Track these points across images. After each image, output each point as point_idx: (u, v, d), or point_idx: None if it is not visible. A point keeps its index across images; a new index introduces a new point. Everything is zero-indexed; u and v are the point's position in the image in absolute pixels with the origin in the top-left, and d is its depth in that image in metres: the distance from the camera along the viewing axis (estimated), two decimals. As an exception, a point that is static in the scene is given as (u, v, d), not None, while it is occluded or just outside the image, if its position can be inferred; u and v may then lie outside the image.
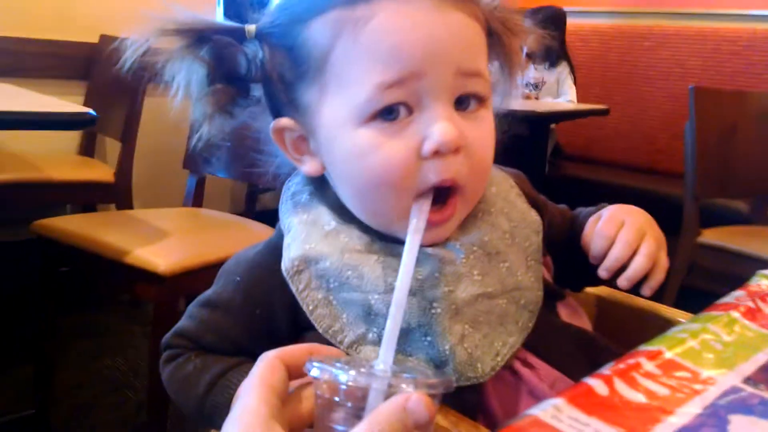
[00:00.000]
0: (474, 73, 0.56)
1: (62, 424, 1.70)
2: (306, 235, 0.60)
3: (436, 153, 0.53)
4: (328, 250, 0.59)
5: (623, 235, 0.64)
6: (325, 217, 0.61)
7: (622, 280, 0.63)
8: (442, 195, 0.56)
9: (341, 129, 0.56)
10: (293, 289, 0.59)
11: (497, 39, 0.62)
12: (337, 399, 0.41)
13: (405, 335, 0.56)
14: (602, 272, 0.65)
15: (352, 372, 0.41)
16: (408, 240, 0.52)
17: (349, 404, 0.41)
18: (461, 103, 0.56)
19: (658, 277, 0.64)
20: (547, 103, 3.40)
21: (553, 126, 3.48)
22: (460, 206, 0.58)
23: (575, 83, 3.48)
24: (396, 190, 0.55)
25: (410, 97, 0.54)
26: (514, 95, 0.67)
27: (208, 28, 0.59)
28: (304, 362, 0.44)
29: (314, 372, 0.43)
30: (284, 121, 0.61)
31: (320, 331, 0.58)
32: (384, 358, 0.47)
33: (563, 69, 3.43)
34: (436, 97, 0.54)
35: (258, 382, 0.43)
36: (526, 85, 3.52)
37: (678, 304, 0.76)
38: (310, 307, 0.58)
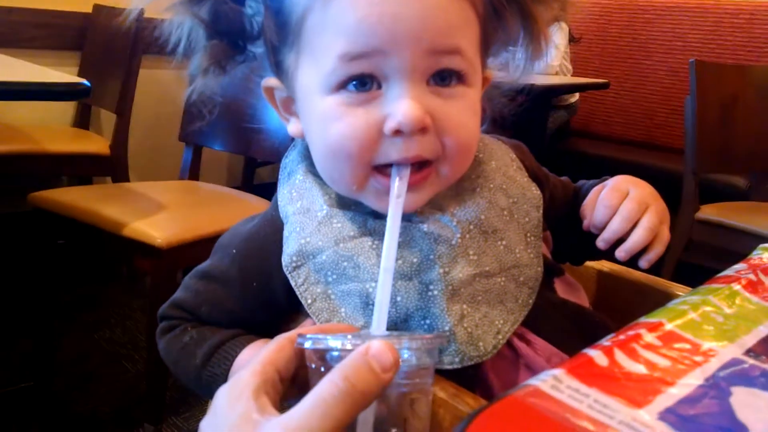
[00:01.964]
0: (449, 50, 0.53)
1: (63, 396, 1.71)
2: (301, 228, 0.60)
3: (398, 132, 0.52)
4: (323, 242, 0.58)
5: (625, 207, 0.64)
6: (318, 202, 0.61)
7: (620, 252, 0.63)
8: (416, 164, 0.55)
9: (313, 96, 0.56)
10: (292, 283, 0.58)
11: (517, 6, 0.60)
12: (329, 367, 0.41)
13: (404, 320, 0.56)
14: (600, 243, 0.64)
15: (340, 340, 0.42)
16: (390, 207, 0.52)
17: None
18: (440, 78, 0.54)
19: (657, 250, 0.64)
20: (545, 77, 3.36)
21: (574, 100, 3.44)
22: (435, 178, 0.57)
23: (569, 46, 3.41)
24: (352, 161, 0.54)
25: (376, 70, 0.53)
26: (540, 63, 0.64)
27: None
28: None
29: (306, 344, 0.43)
30: (273, 81, 0.62)
31: (318, 324, 0.57)
32: (377, 325, 0.47)
33: (554, 27, 3.36)
34: (403, 75, 0.52)
35: (258, 358, 0.44)
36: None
37: (675, 280, 0.76)
38: (309, 301, 0.58)
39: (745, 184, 2.70)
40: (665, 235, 0.65)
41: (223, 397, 0.42)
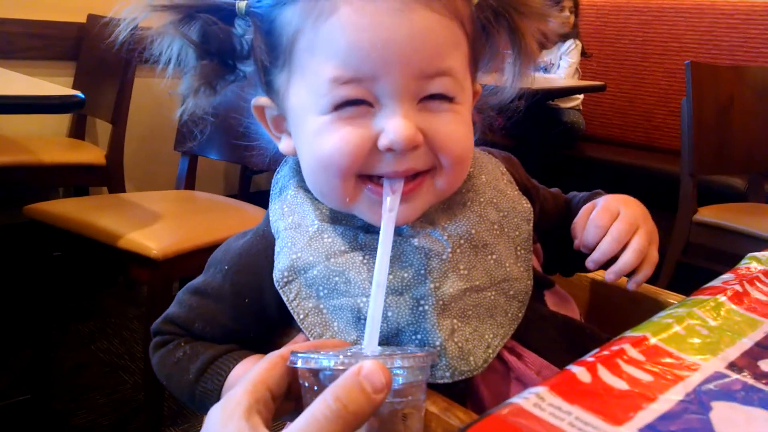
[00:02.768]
0: (439, 73, 0.54)
1: (61, 408, 1.71)
2: (292, 243, 0.60)
3: (391, 149, 0.53)
4: (314, 257, 0.58)
5: (615, 228, 0.64)
6: (309, 217, 0.61)
7: (609, 273, 0.63)
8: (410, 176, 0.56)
9: (305, 116, 0.56)
10: (284, 299, 0.59)
11: (506, 22, 0.61)
12: (323, 386, 0.42)
13: (395, 335, 0.56)
14: (590, 264, 0.64)
15: (333, 358, 0.42)
16: (383, 221, 0.52)
17: None
18: (429, 99, 0.55)
19: (645, 272, 0.63)
20: (542, 79, 3.37)
21: (576, 105, 3.45)
22: (429, 188, 0.57)
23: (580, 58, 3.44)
24: (344, 173, 0.54)
25: (367, 94, 0.53)
26: (527, 76, 0.65)
27: (198, 4, 0.59)
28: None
29: (298, 363, 0.43)
30: (263, 100, 0.63)
31: (311, 339, 0.58)
32: (369, 341, 0.47)
33: (567, 47, 3.39)
34: (394, 97, 0.53)
35: (251, 376, 0.45)
36: (536, 69, 3.47)
37: (674, 282, 0.76)
38: (301, 316, 0.58)
39: (743, 185, 2.70)
40: (654, 256, 0.65)
41: (215, 415, 0.42)
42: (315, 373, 0.43)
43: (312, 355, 0.43)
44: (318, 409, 0.38)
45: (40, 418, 1.68)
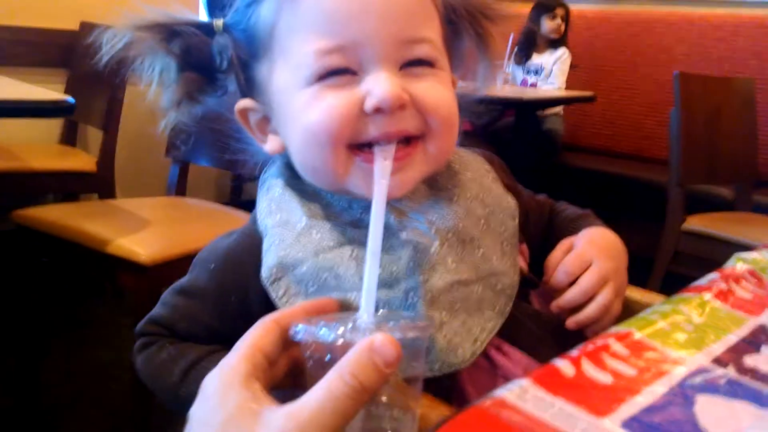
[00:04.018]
0: (417, 40, 0.56)
1: (49, 417, 1.69)
2: (280, 240, 0.60)
3: (379, 110, 0.54)
4: (303, 253, 0.59)
5: (585, 279, 0.63)
6: (297, 214, 0.61)
7: (570, 322, 0.63)
8: (402, 142, 0.57)
9: (290, 93, 0.58)
10: (272, 296, 0.58)
11: (474, 24, 0.64)
12: (327, 358, 0.42)
13: None
14: (553, 307, 0.64)
15: (337, 330, 0.42)
16: (375, 190, 0.53)
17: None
18: (411, 65, 0.57)
19: (603, 325, 0.63)
20: (532, 90, 3.40)
21: (557, 111, 3.48)
22: (421, 156, 0.58)
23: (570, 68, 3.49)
24: (333, 141, 0.55)
25: (351, 62, 0.55)
26: (493, 80, 0.67)
27: (179, 23, 0.61)
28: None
29: (300, 335, 0.43)
30: (245, 102, 0.64)
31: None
32: (366, 307, 0.47)
33: (560, 55, 3.44)
34: (377, 63, 0.55)
35: (245, 343, 0.44)
36: (528, 72, 3.53)
37: (663, 290, 0.76)
38: None
39: (730, 194, 2.72)
40: (617, 310, 0.65)
41: (212, 385, 0.42)
42: (319, 344, 0.43)
43: (313, 328, 0.43)
44: (335, 386, 0.38)
45: (26, 427, 1.65)
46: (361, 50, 0.54)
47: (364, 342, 0.40)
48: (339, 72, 0.55)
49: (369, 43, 0.54)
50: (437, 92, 0.57)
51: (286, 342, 0.46)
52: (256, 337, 0.45)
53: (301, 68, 0.56)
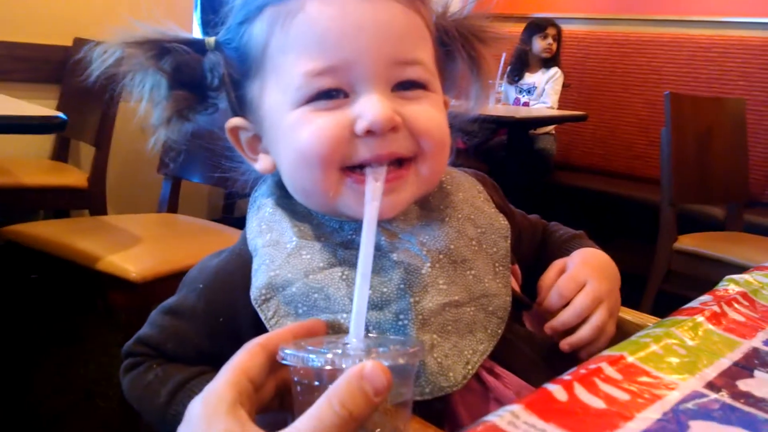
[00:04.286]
0: (409, 62, 0.56)
1: (34, 434, 1.67)
2: (270, 260, 0.59)
3: (370, 132, 0.54)
4: (293, 274, 0.58)
5: (578, 300, 0.63)
6: (287, 234, 0.61)
7: (564, 344, 0.63)
8: (394, 164, 0.56)
9: (281, 113, 0.57)
10: (262, 317, 0.58)
11: (467, 45, 0.64)
12: (317, 383, 0.42)
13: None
14: (547, 329, 0.64)
15: (327, 355, 0.42)
16: (366, 211, 0.52)
17: (330, 385, 0.41)
18: (403, 87, 0.57)
19: (598, 346, 0.63)
20: (525, 109, 3.42)
21: (550, 131, 3.49)
22: (413, 178, 0.58)
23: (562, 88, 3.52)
24: (324, 163, 0.55)
25: (342, 83, 0.55)
26: (486, 100, 0.67)
27: (170, 40, 0.61)
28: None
29: (288, 360, 0.43)
30: (236, 120, 0.63)
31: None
32: (355, 332, 0.47)
33: (553, 75, 3.47)
34: (369, 84, 0.55)
35: (231, 366, 0.44)
36: (520, 91, 3.56)
37: (655, 310, 0.76)
38: None
39: (722, 214, 2.73)
40: (611, 331, 0.64)
41: (196, 411, 0.41)
42: (308, 369, 0.43)
43: (303, 353, 0.42)
44: (324, 414, 0.38)
45: (11, 445, 1.63)
46: (353, 71, 0.54)
47: (354, 370, 0.39)
48: (330, 93, 0.55)
49: (360, 64, 0.54)
50: (429, 115, 0.57)
51: (273, 364, 0.45)
52: (242, 361, 0.44)
53: (292, 89, 0.56)
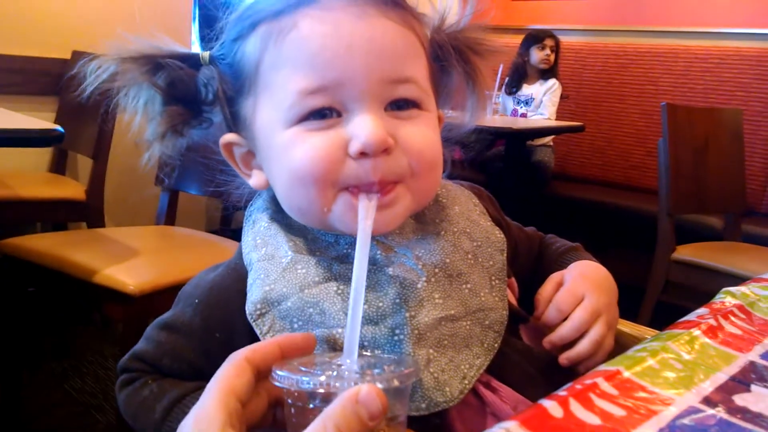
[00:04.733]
0: (403, 79, 0.56)
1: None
2: (265, 275, 0.59)
3: (363, 154, 0.53)
4: (288, 288, 0.58)
5: (576, 315, 0.63)
6: (282, 248, 0.61)
7: (563, 359, 0.62)
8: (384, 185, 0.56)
9: (274, 131, 0.57)
10: (257, 332, 0.57)
11: (463, 58, 0.64)
12: (311, 405, 0.42)
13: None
14: (545, 344, 0.64)
15: (320, 377, 0.42)
16: (359, 231, 0.52)
17: (324, 407, 0.40)
18: (396, 106, 0.56)
19: (596, 360, 0.63)
20: (522, 120, 3.43)
21: (547, 142, 3.50)
22: (405, 197, 0.57)
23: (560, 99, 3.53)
24: (318, 182, 0.55)
25: (335, 102, 0.55)
26: (483, 112, 0.67)
27: (164, 55, 0.61)
28: (274, 359, 0.45)
29: (282, 383, 0.43)
30: (230, 136, 0.63)
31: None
32: (349, 348, 0.47)
33: (551, 86, 3.48)
34: (362, 103, 0.54)
35: (219, 386, 0.43)
36: (518, 102, 3.57)
37: (654, 320, 0.75)
38: None
39: (720, 224, 2.73)
40: (609, 345, 0.64)
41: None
42: (301, 392, 0.42)
43: (296, 376, 0.42)
44: None
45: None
46: (345, 90, 0.54)
47: (349, 394, 0.39)
48: (323, 112, 0.55)
49: (353, 83, 0.54)
50: (422, 136, 0.57)
51: (260, 376, 0.45)
52: (230, 378, 0.43)
53: (285, 107, 0.55)
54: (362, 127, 0.53)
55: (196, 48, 0.65)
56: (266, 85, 0.58)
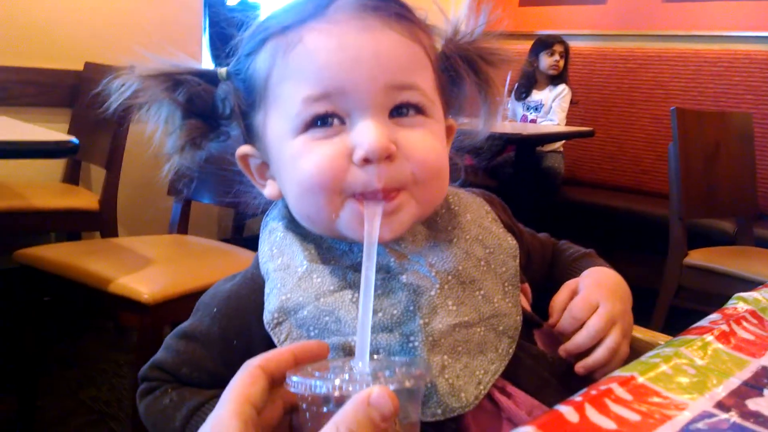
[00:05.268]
0: (405, 86, 0.57)
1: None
2: (282, 284, 0.61)
3: (367, 161, 0.54)
4: (304, 297, 0.59)
5: (592, 323, 0.64)
6: (298, 258, 0.62)
7: (579, 368, 0.63)
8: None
9: (282, 141, 0.59)
10: (275, 340, 0.58)
11: (475, 69, 0.65)
12: (325, 409, 0.42)
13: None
14: (561, 352, 0.64)
15: (334, 381, 0.42)
16: (366, 240, 0.53)
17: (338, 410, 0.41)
18: (399, 112, 0.57)
19: (612, 367, 0.63)
20: (532, 126, 3.43)
21: (557, 148, 3.50)
22: (409, 203, 0.58)
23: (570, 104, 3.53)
24: (326, 190, 0.56)
25: (338, 108, 0.56)
26: (495, 121, 0.68)
27: (183, 72, 0.63)
28: (288, 366, 0.46)
29: (296, 388, 0.43)
30: (245, 148, 0.65)
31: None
32: (360, 355, 0.47)
33: (560, 92, 3.48)
34: (364, 110, 0.56)
35: (234, 394, 0.44)
36: (528, 108, 3.57)
37: (667, 325, 0.76)
38: None
39: (732, 228, 2.72)
40: (624, 352, 0.65)
41: None
42: (315, 396, 0.43)
43: (310, 380, 0.43)
44: None
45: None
46: (349, 97, 0.55)
47: (361, 396, 0.40)
48: (327, 119, 0.56)
49: (356, 90, 0.55)
50: (426, 143, 0.58)
51: (275, 383, 0.46)
52: (245, 386, 0.44)
53: (291, 116, 0.57)
54: (365, 134, 0.55)
55: (206, 62, 0.67)
56: (275, 97, 0.59)
